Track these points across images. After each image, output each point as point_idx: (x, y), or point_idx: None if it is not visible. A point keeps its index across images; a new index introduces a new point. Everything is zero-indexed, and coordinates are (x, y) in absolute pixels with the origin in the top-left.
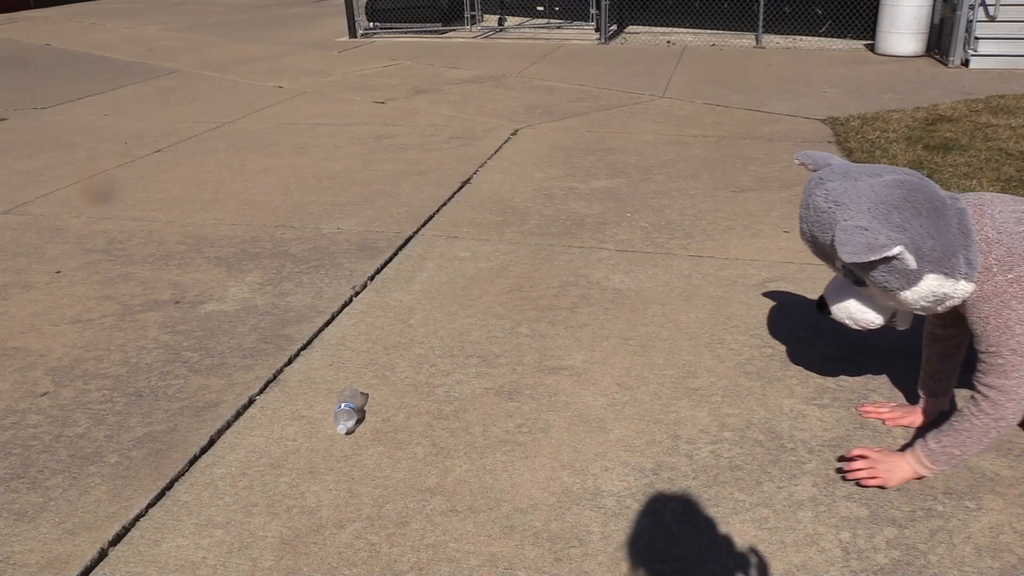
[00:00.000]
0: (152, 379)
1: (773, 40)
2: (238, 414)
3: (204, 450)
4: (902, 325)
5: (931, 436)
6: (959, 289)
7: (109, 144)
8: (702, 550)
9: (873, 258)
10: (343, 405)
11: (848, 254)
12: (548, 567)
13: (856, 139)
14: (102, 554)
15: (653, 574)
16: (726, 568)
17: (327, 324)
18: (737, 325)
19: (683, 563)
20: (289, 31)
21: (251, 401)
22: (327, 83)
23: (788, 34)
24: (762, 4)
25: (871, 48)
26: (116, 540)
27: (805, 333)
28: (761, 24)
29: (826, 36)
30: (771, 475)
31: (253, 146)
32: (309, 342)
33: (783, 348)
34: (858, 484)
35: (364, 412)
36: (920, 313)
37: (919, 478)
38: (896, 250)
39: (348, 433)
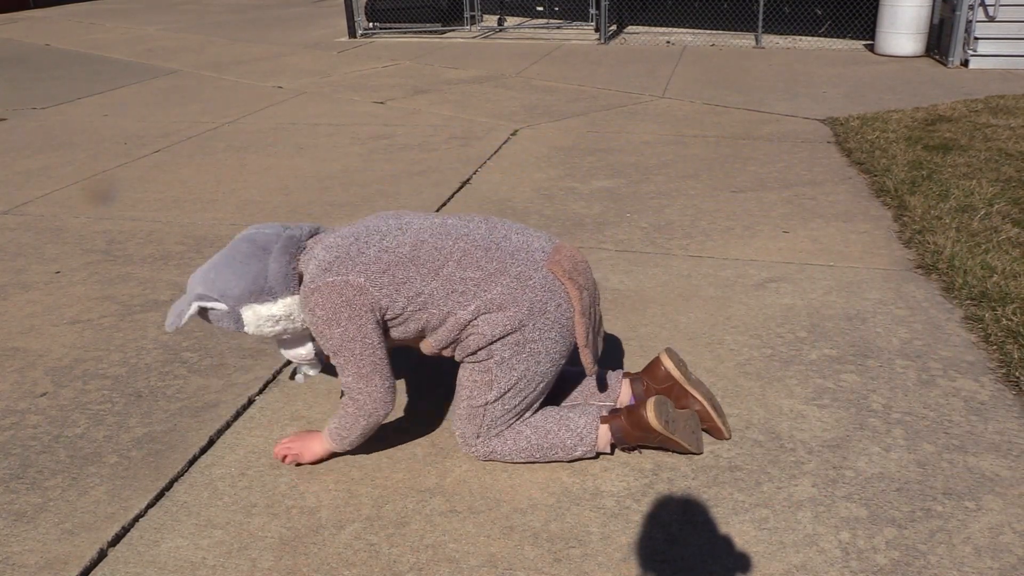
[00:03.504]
0: (151, 379)
1: (773, 40)
2: (237, 414)
3: (203, 450)
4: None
5: (331, 419)
6: (283, 305)
7: (108, 144)
8: (702, 550)
9: (179, 324)
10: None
11: (168, 327)
12: (548, 567)
13: (856, 139)
14: (101, 554)
15: (653, 574)
16: (726, 568)
17: None
18: (737, 325)
19: (683, 563)
20: (289, 31)
21: (250, 401)
22: (327, 83)
23: (788, 34)
24: (762, 4)
25: (871, 48)
26: (115, 540)
27: (805, 333)
28: (761, 24)
29: (826, 36)
30: (771, 475)
31: (253, 146)
32: None
33: (782, 348)
34: (283, 461)
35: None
36: (287, 337)
37: (333, 456)
38: (193, 309)
39: (304, 379)
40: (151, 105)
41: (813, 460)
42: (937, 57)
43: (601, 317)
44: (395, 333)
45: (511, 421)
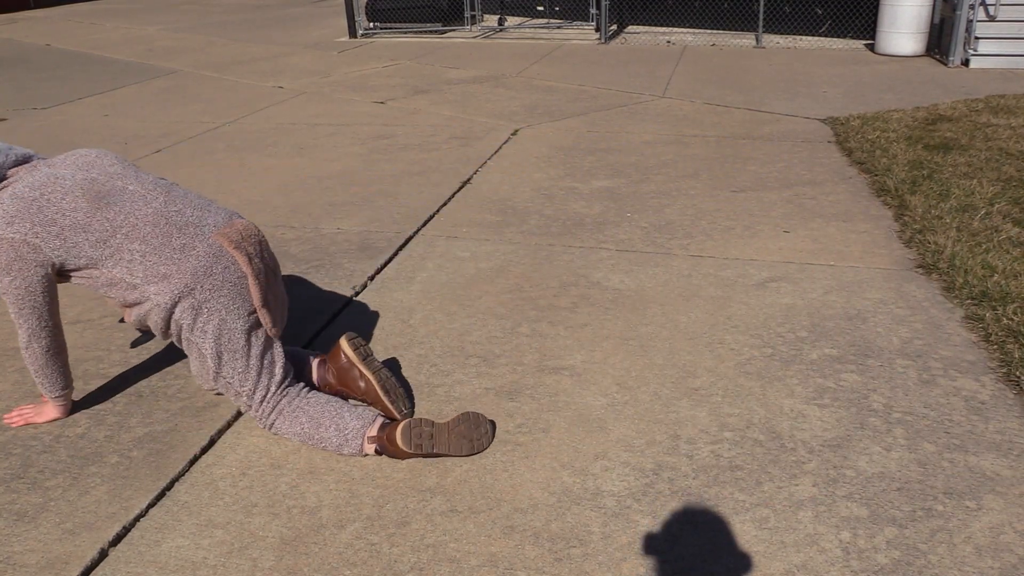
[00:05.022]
0: (152, 379)
1: (773, 40)
2: (238, 414)
3: (204, 450)
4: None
5: None
6: None
7: (109, 144)
8: (702, 550)
9: None
10: None
11: None
12: (548, 567)
13: (856, 139)
14: (102, 554)
15: (654, 574)
16: (726, 568)
17: (327, 324)
18: (737, 325)
19: (683, 563)
20: (289, 31)
21: None
22: (327, 83)
23: (788, 34)
24: (762, 4)
25: (871, 48)
26: (116, 540)
27: (805, 333)
28: (761, 24)
29: (826, 36)
30: (771, 475)
31: (253, 146)
32: (309, 342)
33: (783, 348)
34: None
35: None
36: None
37: (62, 416)
38: None
39: None
40: (151, 105)
41: (814, 460)
42: (938, 57)
43: (283, 289)
44: (78, 282)
45: (268, 383)
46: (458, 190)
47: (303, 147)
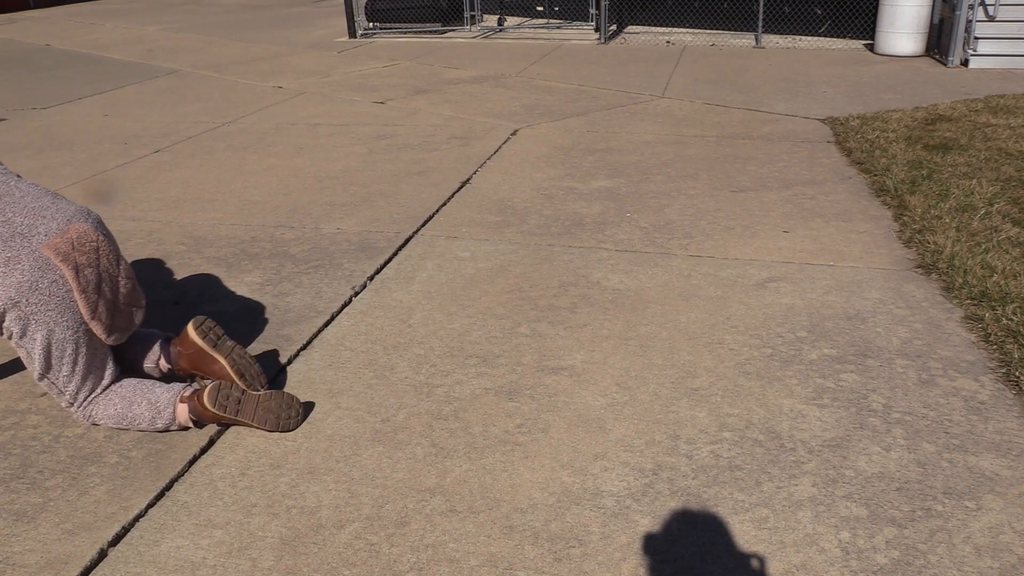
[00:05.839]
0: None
1: (773, 40)
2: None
3: (204, 450)
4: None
5: None
6: None
7: (109, 144)
8: (702, 550)
9: None
10: None
11: None
12: (548, 567)
13: (856, 139)
14: (102, 554)
15: (653, 574)
16: (726, 568)
17: (327, 324)
18: (737, 325)
19: (683, 563)
20: (289, 31)
21: None
22: (327, 83)
23: (788, 34)
24: (762, 4)
25: (871, 48)
26: (116, 540)
27: (805, 333)
28: (761, 24)
29: (826, 36)
30: (771, 475)
31: (253, 146)
32: (309, 342)
33: (783, 348)
34: None
35: None
36: None
37: None
38: None
39: None
40: (151, 105)
41: (813, 460)
42: (937, 57)
43: (131, 291)
44: None
45: (93, 386)
46: (458, 190)
47: (303, 147)
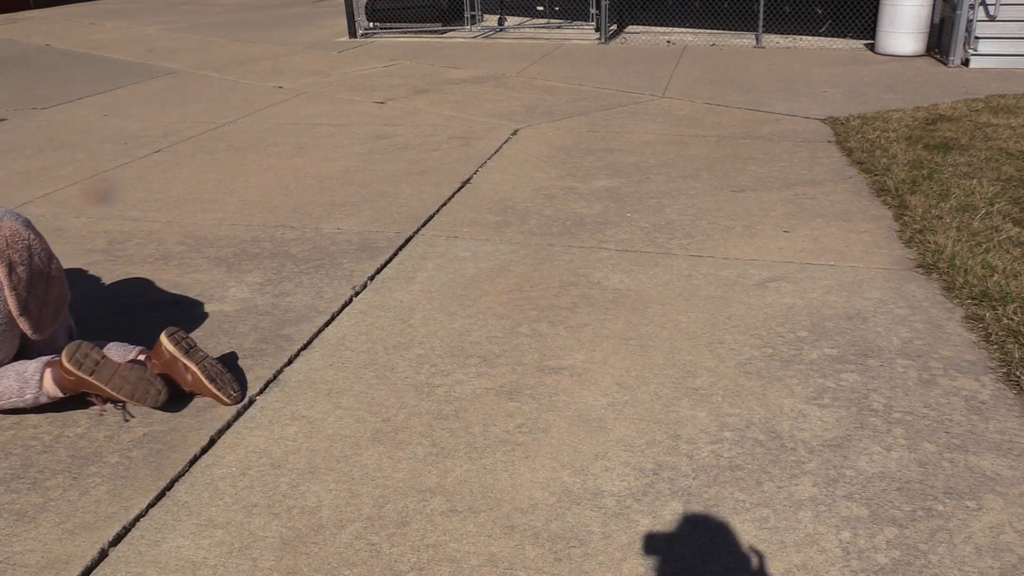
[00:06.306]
0: None
1: (773, 40)
2: (238, 414)
3: (204, 450)
4: None
5: None
6: None
7: (109, 144)
8: (702, 550)
9: None
10: None
11: None
12: (548, 567)
13: (856, 139)
14: (102, 554)
15: (653, 574)
16: (726, 568)
17: (327, 324)
18: (737, 325)
19: (683, 563)
20: (289, 31)
21: (251, 401)
22: (327, 83)
23: (788, 34)
24: (762, 4)
25: (871, 48)
26: (116, 540)
27: (805, 333)
28: (761, 24)
29: (826, 36)
30: (771, 475)
31: (253, 146)
32: (309, 342)
33: (783, 348)
34: None
35: None
36: None
37: None
38: None
39: None
40: (151, 105)
41: (814, 459)
42: (938, 56)
43: (61, 290)
44: None
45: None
46: (458, 190)
47: (303, 147)
